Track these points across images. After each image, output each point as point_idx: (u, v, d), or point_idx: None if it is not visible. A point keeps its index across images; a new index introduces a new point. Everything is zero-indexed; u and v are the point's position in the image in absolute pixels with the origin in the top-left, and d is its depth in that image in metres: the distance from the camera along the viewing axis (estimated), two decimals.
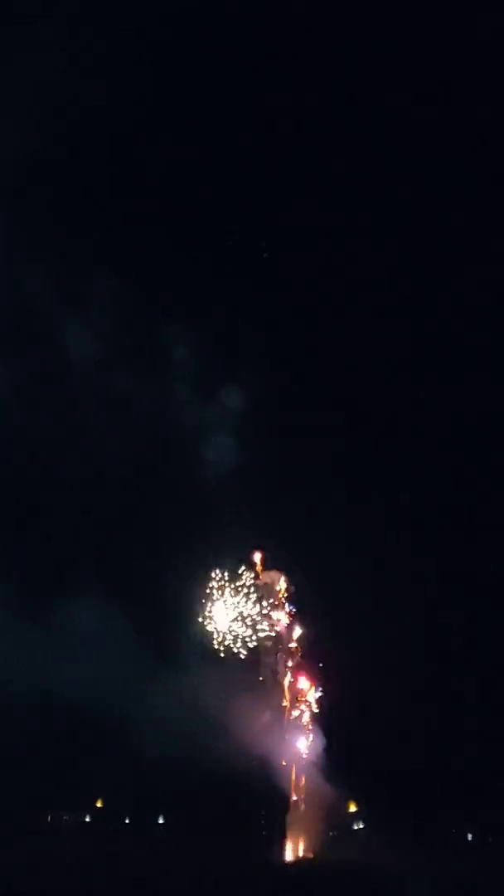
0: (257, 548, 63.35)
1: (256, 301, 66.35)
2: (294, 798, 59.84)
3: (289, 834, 59.38)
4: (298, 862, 58.14)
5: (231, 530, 62.29)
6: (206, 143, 64.60)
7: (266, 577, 63.13)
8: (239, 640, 60.85)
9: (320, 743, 60.37)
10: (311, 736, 60.83)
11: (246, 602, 61.40)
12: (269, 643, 61.74)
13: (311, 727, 61.04)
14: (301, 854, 59.01)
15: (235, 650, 60.73)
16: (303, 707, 61.56)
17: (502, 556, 62.79)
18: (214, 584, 61.40)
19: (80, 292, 61.11)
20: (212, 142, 64.70)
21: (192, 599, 61.44)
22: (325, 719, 61.22)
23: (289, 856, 58.72)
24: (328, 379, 66.93)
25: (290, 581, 63.53)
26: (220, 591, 61.28)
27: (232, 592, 61.30)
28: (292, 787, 59.67)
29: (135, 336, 63.94)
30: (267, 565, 63.53)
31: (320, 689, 61.94)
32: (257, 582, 62.42)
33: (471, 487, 65.42)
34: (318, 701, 61.70)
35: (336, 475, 64.10)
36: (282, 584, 63.29)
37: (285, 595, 63.19)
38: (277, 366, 64.89)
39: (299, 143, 64.81)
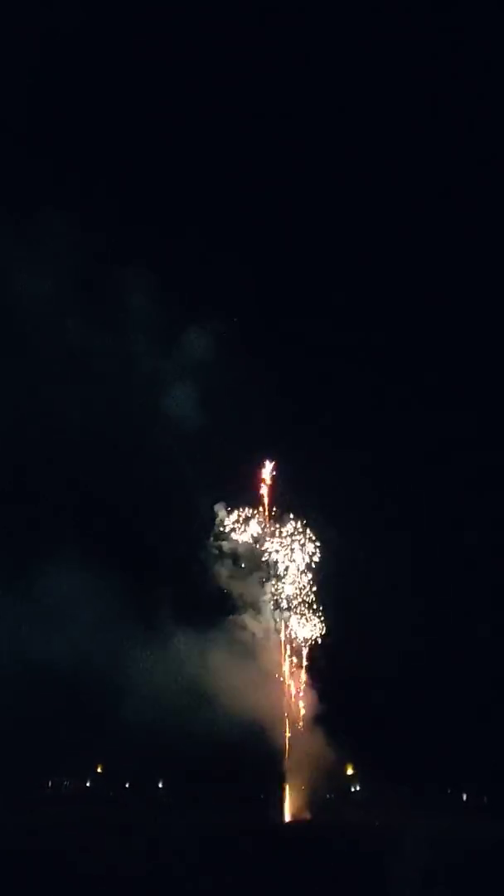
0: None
1: (222, 240, 64.12)
2: (291, 761, 60.29)
3: (286, 796, 60.02)
4: (296, 824, 58.84)
5: (205, 482, 61.50)
6: (173, 77, 62.98)
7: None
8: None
9: (317, 705, 60.71)
10: (308, 697, 61.10)
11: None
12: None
13: (308, 688, 61.29)
14: (299, 816, 59.69)
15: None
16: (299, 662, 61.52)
17: None
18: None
19: (28, 231, 58.10)
20: (178, 76, 63.13)
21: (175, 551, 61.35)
22: (323, 680, 61.27)
23: (287, 818, 59.44)
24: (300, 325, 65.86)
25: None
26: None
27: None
28: (289, 750, 60.12)
29: (91, 279, 61.50)
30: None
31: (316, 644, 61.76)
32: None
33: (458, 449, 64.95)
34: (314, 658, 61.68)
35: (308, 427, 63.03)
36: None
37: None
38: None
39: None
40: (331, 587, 61.00)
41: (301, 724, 60.23)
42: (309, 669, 60.83)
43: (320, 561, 61.31)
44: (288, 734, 59.82)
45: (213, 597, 60.83)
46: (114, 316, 62.06)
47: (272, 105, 65.40)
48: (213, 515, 62.01)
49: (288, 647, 60.83)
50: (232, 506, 62.23)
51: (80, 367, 61.88)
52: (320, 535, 61.57)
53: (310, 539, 61.38)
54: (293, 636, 60.62)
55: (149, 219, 64.01)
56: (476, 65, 62.34)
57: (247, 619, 60.68)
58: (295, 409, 62.82)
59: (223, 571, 61.22)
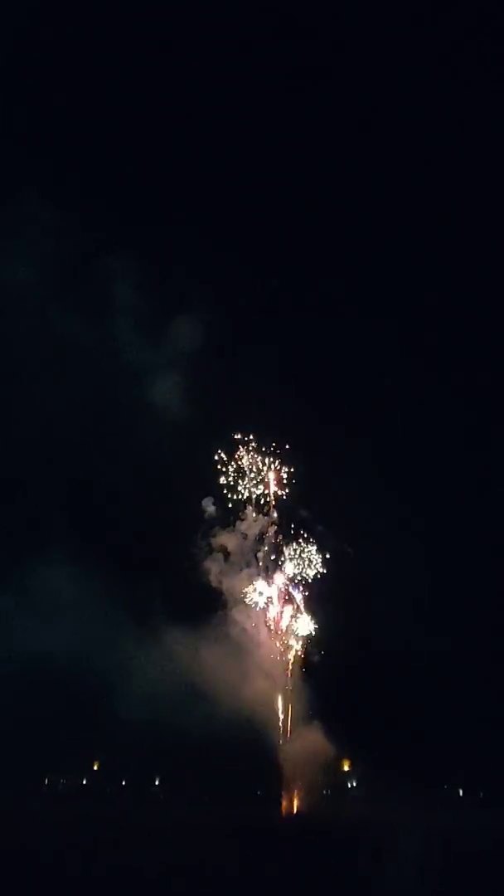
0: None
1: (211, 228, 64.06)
2: (287, 757, 60.32)
3: (284, 792, 60.08)
4: (293, 819, 58.93)
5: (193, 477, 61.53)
6: (158, 66, 63.09)
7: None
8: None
9: (314, 701, 60.75)
10: (304, 693, 61.08)
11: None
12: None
13: (304, 684, 61.23)
14: (296, 812, 59.78)
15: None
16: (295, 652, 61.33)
17: None
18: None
19: (9, 219, 57.48)
20: (163, 66, 63.41)
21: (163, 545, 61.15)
22: (319, 676, 61.32)
23: (283, 814, 59.50)
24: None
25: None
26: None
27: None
28: (285, 746, 60.14)
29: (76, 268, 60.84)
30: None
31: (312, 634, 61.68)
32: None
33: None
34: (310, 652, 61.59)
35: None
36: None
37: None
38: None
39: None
40: (328, 584, 61.20)
41: (298, 720, 60.42)
42: (305, 665, 60.97)
43: (317, 557, 61.54)
44: (284, 730, 59.91)
45: (205, 592, 60.83)
46: (100, 306, 61.84)
47: (261, 95, 65.58)
48: (203, 511, 62.07)
49: (282, 643, 60.94)
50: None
51: (68, 359, 61.55)
52: (313, 530, 61.83)
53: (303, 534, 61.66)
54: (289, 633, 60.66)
55: (136, 207, 64.11)
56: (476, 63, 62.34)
57: (238, 614, 60.75)
58: (286, 400, 62.77)
59: (214, 567, 61.20)
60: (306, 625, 60.71)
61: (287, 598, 61.11)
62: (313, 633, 60.67)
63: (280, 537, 61.71)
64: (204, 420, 60.83)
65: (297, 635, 60.66)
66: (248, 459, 61.77)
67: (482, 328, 65.69)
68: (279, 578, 61.13)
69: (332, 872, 36.70)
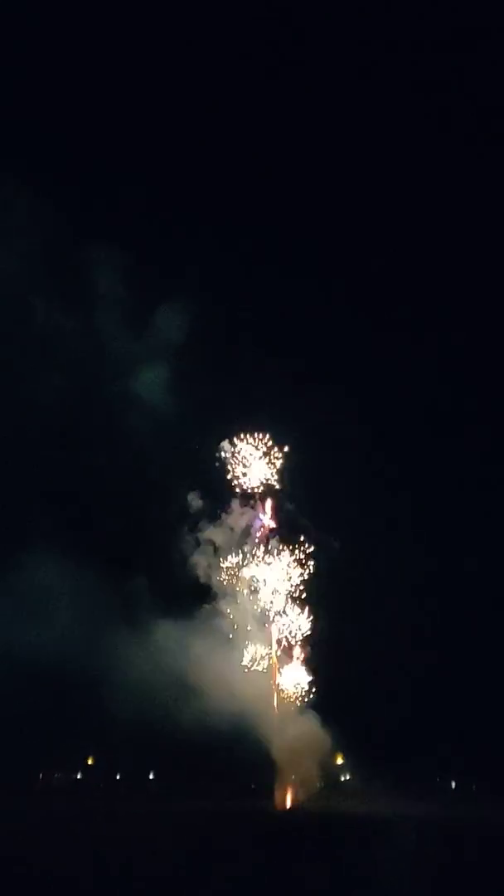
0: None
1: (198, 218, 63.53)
2: (281, 751, 60.40)
3: (277, 786, 60.22)
4: (287, 813, 59.14)
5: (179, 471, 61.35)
6: (142, 53, 62.35)
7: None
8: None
9: (307, 694, 60.72)
10: (298, 687, 61.01)
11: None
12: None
13: (297, 678, 61.15)
14: (289, 805, 60.01)
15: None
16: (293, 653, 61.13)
17: None
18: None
19: None
20: (146, 51, 62.57)
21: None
22: (312, 670, 61.28)
23: (278, 807, 59.72)
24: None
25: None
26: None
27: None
28: (279, 740, 60.23)
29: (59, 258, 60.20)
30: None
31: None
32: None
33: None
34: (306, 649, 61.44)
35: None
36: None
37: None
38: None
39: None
40: (322, 579, 61.08)
41: (291, 713, 60.47)
42: (298, 659, 60.94)
43: (310, 552, 61.44)
44: (277, 724, 59.97)
45: (193, 586, 60.59)
46: (84, 296, 61.47)
47: (246, 84, 65.05)
48: (189, 505, 61.85)
49: (274, 636, 60.94)
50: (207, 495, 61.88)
51: (51, 351, 61.16)
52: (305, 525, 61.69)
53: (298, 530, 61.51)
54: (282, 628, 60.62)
55: (118, 195, 63.42)
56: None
57: (227, 607, 60.38)
58: (274, 391, 62.45)
59: (202, 561, 61.05)
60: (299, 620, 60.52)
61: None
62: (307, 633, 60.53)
63: (267, 529, 61.58)
64: (190, 412, 60.70)
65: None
66: (234, 451, 61.39)
67: (483, 319, 65.49)
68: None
69: (326, 865, 36.81)
